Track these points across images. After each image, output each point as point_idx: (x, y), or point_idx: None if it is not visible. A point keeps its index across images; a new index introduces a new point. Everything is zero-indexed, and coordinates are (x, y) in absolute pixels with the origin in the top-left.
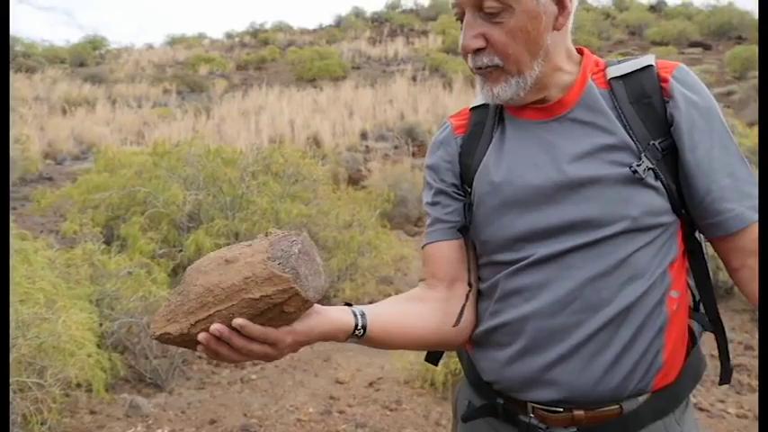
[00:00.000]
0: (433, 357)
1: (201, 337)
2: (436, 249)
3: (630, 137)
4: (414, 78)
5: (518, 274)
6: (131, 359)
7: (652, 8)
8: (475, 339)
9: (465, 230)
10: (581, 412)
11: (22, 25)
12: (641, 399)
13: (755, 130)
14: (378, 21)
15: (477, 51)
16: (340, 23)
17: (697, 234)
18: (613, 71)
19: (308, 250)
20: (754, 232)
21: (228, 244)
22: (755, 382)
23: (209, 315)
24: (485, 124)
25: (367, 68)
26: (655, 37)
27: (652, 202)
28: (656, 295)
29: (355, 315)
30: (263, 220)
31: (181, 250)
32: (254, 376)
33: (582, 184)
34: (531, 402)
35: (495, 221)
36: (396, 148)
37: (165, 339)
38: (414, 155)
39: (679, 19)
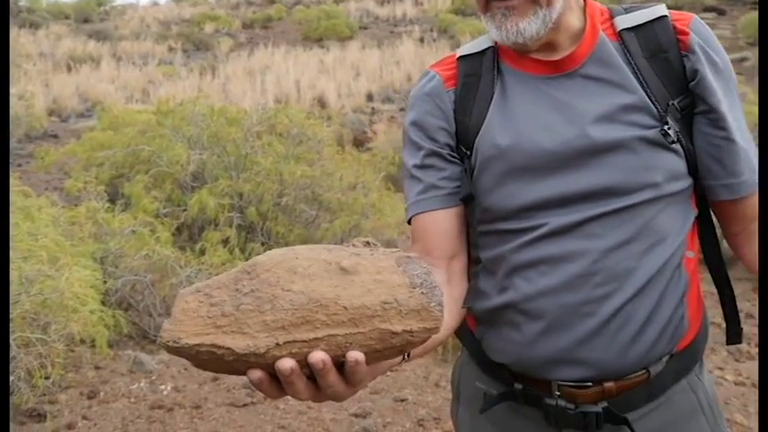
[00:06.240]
0: None
1: (287, 365)
2: (431, 221)
3: (649, 96)
4: (421, 40)
5: (531, 246)
6: (135, 316)
7: None
8: (480, 318)
9: (470, 198)
10: (611, 384)
11: None
12: (665, 360)
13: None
14: None
15: None
16: None
17: None
18: (623, 21)
19: None
20: (755, 199)
21: (233, 204)
22: (755, 350)
23: (316, 339)
24: (480, 76)
25: (374, 29)
26: (667, 0)
27: (674, 166)
28: (677, 259)
29: None
30: (267, 180)
31: (185, 209)
32: None
33: (603, 150)
34: (558, 381)
35: (502, 188)
36: (402, 110)
37: (195, 356)
38: None
39: None
